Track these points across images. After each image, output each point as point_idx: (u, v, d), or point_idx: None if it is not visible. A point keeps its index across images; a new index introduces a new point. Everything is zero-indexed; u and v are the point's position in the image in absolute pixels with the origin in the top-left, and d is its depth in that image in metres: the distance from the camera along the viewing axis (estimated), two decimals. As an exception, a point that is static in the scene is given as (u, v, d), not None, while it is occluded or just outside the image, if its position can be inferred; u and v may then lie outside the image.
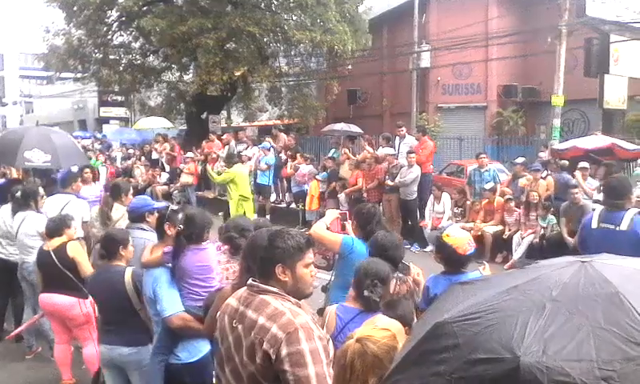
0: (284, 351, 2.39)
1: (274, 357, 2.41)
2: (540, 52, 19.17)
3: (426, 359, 1.87)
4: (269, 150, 15.15)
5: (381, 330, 2.59)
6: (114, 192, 7.11)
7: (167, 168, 18.39)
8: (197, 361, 3.99)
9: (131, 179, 13.74)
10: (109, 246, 4.75)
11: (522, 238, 10.92)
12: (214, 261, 4.15)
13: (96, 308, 5.86)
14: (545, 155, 14.81)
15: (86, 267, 5.73)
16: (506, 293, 1.89)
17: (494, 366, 1.67)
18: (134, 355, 4.40)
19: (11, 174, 9.88)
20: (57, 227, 5.86)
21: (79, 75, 25.25)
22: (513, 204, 11.40)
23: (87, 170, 9.02)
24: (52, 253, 5.64)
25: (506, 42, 21.22)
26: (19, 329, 6.78)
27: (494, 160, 15.55)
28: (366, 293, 3.59)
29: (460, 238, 4.06)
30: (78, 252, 5.75)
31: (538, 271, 2.06)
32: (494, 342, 1.70)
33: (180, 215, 4.27)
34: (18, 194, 6.98)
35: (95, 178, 10.38)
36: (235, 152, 15.84)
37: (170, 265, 4.08)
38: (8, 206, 7.27)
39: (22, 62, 60.40)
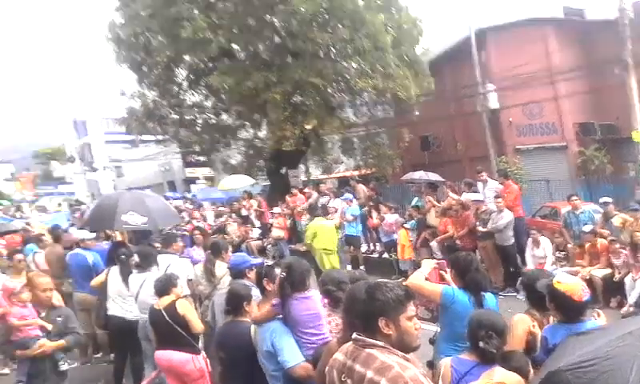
0: None
1: None
2: (610, 85, 18.40)
3: None
4: (351, 200, 15.29)
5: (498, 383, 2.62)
6: (215, 250, 7.42)
7: (257, 224, 18.81)
8: None
9: (225, 236, 14.15)
10: (234, 301, 4.90)
11: (635, 281, 10.34)
12: (321, 308, 4.20)
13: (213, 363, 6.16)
14: (640, 193, 14.19)
15: (197, 323, 5.95)
16: (620, 339, 1.92)
17: None
18: None
19: (115, 237, 10.45)
20: (164, 286, 6.08)
21: (160, 137, 25.98)
22: (618, 245, 10.89)
23: (197, 231, 9.28)
24: (163, 311, 5.84)
25: (573, 77, 20.51)
26: (139, 384, 7.09)
27: (587, 201, 15.04)
28: (481, 344, 3.57)
29: (573, 284, 3.83)
30: (187, 309, 5.96)
31: None
32: None
33: (276, 269, 4.43)
34: (135, 257, 7.34)
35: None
36: (318, 204, 16.05)
37: (280, 316, 4.17)
38: (117, 268, 7.68)
39: (105, 127, 63.21)
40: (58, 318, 5.62)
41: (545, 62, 21.61)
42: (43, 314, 5.57)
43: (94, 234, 9.60)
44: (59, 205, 43.32)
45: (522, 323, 4.15)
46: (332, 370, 2.76)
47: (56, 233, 10.58)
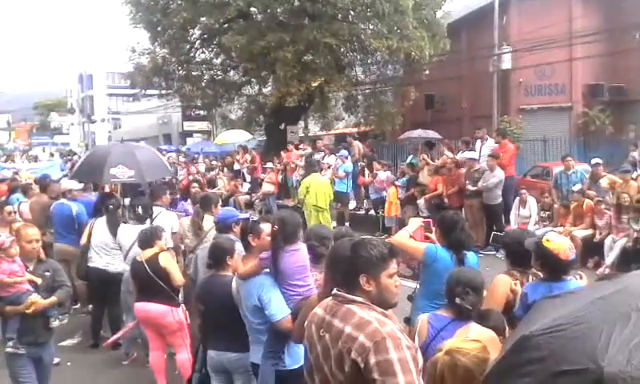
0: (372, 360, 2.39)
1: (362, 365, 2.41)
2: (627, 50, 18.32)
3: (512, 372, 1.90)
4: (346, 157, 15.21)
5: (471, 342, 2.57)
6: (205, 203, 7.33)
7: (248, 178, 18.84)
8: (301, 367, 4.03)
9: (214, 190, 14.12)
10: (217, 255, 4.86)
11: (614, 242, 10.45)
12: (307, 260, 4.21)
13: (189, 315, 6.14)
14: (636, 155, 14.14)
15: (177, 276, 5.94)
16: (591, 304, 1.91)
17: (578, 378, 1.69)
18: (242, 360, 4.51)
19: (104, 188, 10.39)
20: (148, 239, 6.06)
21: (163, 92, 26.13)
22: (603, 206, 10.94)
23: (195, 184, 9.12)
24: (145, 263, 5.83)
25: (591, 41, 20.42)
26: (116, 336, 7.07)
27: (581, 161, 14.98)
28: (457, 300, 3.57)
29: (561, 243, 3.85)
30: (169, 262, 5.94)
31: (626, 281, 2.05)
32: (578, 353, 1.72)
33: (262, 225, 4.38)
34: (139, 208, 7.25)
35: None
36: (314, 160, 16.00)
37: (268, 270, 4.16)
38: (103, 219, 7.63)
39: (109, 81, 63.54)
40: (47, 273, 5.33)
41: (566, 27, 21.35)
42: (31, 268, 5.28)
43: (81, 185, 9.52)
44: (51, 155, 43.39)
45: (502, 284, 4.17)
46: (311, 325, 2.77)
47: (43, 182, 10.47)
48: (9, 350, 5.11)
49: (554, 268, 3.85)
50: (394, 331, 2.47)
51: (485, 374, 2.22)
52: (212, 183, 15.60)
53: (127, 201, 8.66)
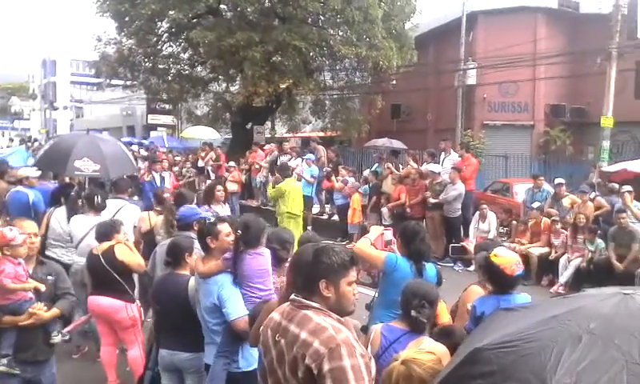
0: (326, 367, 2.39)
1: (315, 372, 2.41)
2: (589, 73, 18.87)
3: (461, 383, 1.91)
4: (313, 161, 15.17)
5: (426, 354, 2.59)
6: (179, 201, 7.19)
7: (212, 176, 18.67)
8: (254, 369, 4.03)
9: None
10: (175, 253, 4.82)
11: (569, 262, 10.68)
12: (269, 265, 4.25)
13: (146, 313, 6.04)
14: (593, 176, 14.52)
15: (136, 263, 5.82)
16: (545, 322, 1.91)
17: None
18: (194, 360, 4.50)
19: (63, 178, 10.13)
20: (106, 232, 5.93)
21: (128, 83, 25.79)
22: (559, 226, 11.18)
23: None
24: (100, 256, 5.71)
25: (555, 63, 20.98)
26: (67, 329, 6.92)
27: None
28: (413, 313, 3.58)
29: (508, 258, 3.93)
30: (125, 254, 5.81)
31: (580, 301, 2.06)
32: (527, 371, 1.72)
33: (219, 226, 4.37)
34: (97, 198, 7.09)
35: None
36: (278, 163, 15.93)
37: (229, 271, 4.17)
38: (62, 209, 7.46)
39: (73, 69, 62.44)
40: (49, 277, 4.62)
41: (530, 47, 21.87)
42: (30, 270, 4.52)
43: (39, 173, 9.28)
44: (11, 140, 42.31)
45: (474, 294, 4.24)
46: (267, 329, 2.75)
47: (0, 167, 10.19)
48: (1, 368, 4.35)
49: (500, 282, 3.95)
50: (348, 338, 2.48)
51: (436, 382, 2.23)
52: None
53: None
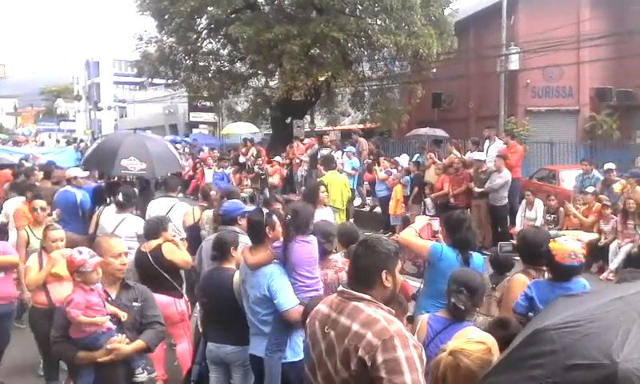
0: (380, 358, 2.39)
1: (369, 363, 2.41)
2: (636, 54, 18.27)
3: (522, 364, 1.90)
4: (353, 154, 15.14)
5: (475, 343, 2.54)
6: (230, 198, 7.26)
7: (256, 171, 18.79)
8: (301, 360, 3.99)
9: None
10: (220, 247, 4.87)
11: (619, 248, 10.42)
12: (317, 253, 4.29)
13: (193, 308, 6.11)
14: (643, 161, 14.08)
15: (182, 260, 5.87)
16: (609, 303, 1.90)
17: (591, 372, 1.69)
18: (240, 353, 4.55)
19: (108, 177, 10.32)
20: (153, 229, 6.01)
21: (170, 81, 26.14)
22: (609, 211, 10.91)
23: (323, 188, 8.38)
24: (149, 254, 5.78)
25: (600, 44, 20.36)
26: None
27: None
28: (452, 299, 3.58)
29: (564, 247, 3.88)
30: (173, 252, 5.87)
31: None
32: (592, 349, 1.72)
33: (274, 217, 4.43)
34: (120, 196, 7.21)
35: None
36: (319, 156, 15.88)
37: (277, 261, 4.22)
38: (112, 208, 7.57)
39: (116, 69, 63.72)
40: (134, 304, 4.01)
41: (574, 29, 21.29)
42: (112, 296, 3.96)
43: (87, 173, 9.50)
44: (57, 141, 43.44)
45: (519, 283, 4.20)
46: (314, 321, 2.76)
47: (47, 168, 10.46)
48: None
49: (553, 269, 3.94)
50: (401, 330, 2.48)
51: (492, 365, 2.21)
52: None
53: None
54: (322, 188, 7.69)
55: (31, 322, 5.69)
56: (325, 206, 7.53)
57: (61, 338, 3.86)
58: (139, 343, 3.89)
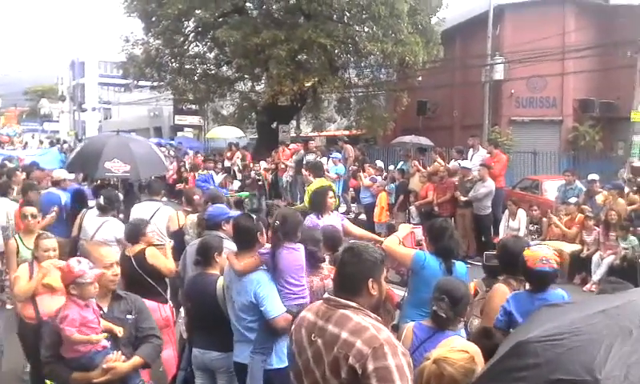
0: (371, 366, 2.38)
1: (360, 371, 2.40)
2: (619, 66, 18.51)
3: (505, 376, 1.89)
4: (339, 160, 15.14)
5: (458, 352, 2.56)
6: (214, 202, 7.20)
7: (239, 176, 18.75)
8: (286, 367, 3.95)
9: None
10: (204, 252, 4.82)
11: (602, 259, 10.46)
12: (304, 261, 4.27)
13: (177, 314, 6.06)
14: (624, 173, 14.24)
15: (166, 267, 5.79)
16: (593, 316, 1.90)
17: None
18: (225, 360, 4.50)
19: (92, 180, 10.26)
20: (134, 233, 5.92)
21: (156, 84, 26.16)
22: (592, 222, 10.97)
23: (331, 194, 8.13)
24: (132, 259, 5.69)
25: (584, 56, 20.63)
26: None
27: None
28: (434, 307, 3.58)
29: (535, 252, 3.87)
30: (156, 257, 5.80)
31: (628, 296, 2.03)
32: (575, 363, 1.71)
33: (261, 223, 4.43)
34: (101, 199, 7.17)
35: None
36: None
37: (264, 267, 4.19)
38: (94, 211, 7.52)
39: (101, 70, 63.27)
40: (129, 317, 3.82)
41: (559, 41, 21.60)
42: (105, 309, 3.76)
43: (72, 175, 9.43)
44: (40, 142, 43.00)
45: (500, 293, 4.19)
46: (300, 328, 2.74)
47: (29, 169, 10.35)
48: None
49: (526, 276, 3.93)
50: (390, 338, 2.48)
51: (476, 377, 2.22)
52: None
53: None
54: (330, 193, 7.31)
55: (20, 335, 5.59)
56: (332, 211, 7.24)
57: (52, 358, 3.62)
58: (137, 360, 3.71)
